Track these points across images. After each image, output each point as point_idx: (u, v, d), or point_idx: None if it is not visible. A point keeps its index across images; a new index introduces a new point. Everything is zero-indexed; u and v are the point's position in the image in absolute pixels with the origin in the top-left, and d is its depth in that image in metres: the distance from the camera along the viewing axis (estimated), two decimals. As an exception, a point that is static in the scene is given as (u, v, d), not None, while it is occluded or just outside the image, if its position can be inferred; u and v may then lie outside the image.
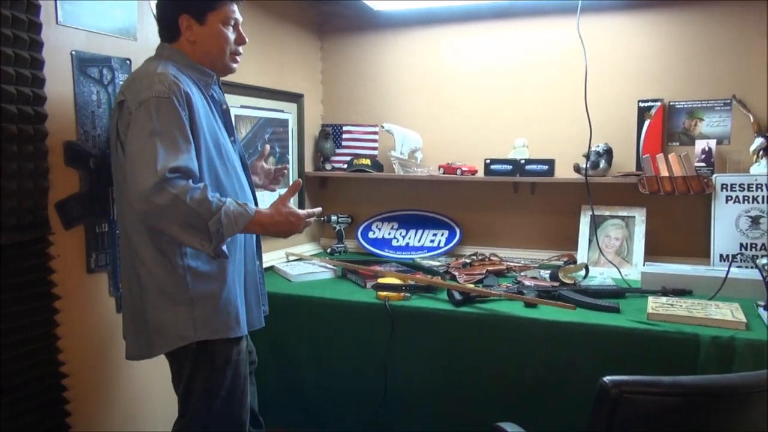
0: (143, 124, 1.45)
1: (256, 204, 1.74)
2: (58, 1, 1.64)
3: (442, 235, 2.95)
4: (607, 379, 1.06)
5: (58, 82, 1.66)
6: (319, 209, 1.76)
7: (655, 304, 2.00)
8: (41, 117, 1.58)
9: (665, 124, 2.56)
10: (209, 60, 1.65)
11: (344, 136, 3.07)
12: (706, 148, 2.45)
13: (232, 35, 1.66)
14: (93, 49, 1.76)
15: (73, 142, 1.71)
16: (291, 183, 1.65)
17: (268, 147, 2.15)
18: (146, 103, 1.46)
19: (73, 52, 1.70)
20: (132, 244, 1.58)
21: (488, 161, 2.69)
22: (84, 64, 1.73)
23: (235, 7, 1.65)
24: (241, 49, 1.71)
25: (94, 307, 1.81)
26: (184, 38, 1.62)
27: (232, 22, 1.65)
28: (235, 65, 1.72)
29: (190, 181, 1.45)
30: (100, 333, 1.83)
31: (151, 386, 2.02)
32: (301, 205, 2.98)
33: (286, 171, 2.13)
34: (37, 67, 1.57)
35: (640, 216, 2.57)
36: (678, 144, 2.57)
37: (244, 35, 1.69)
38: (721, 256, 2.42)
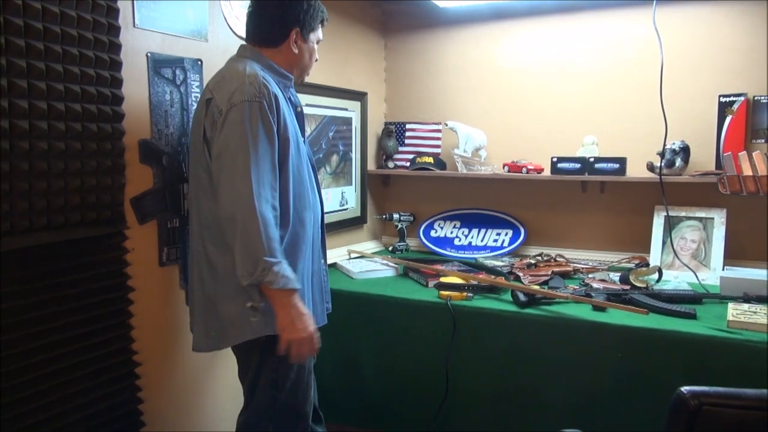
0: (236, 130, 1.51)
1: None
2: (135, 5, 1.71)
3: (506, 234, 2.89)
4: (685, 389, 1.00)
5: (135, 83, 1.73)
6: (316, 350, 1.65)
7: (735, 311, 1.88)
8: (119, 116, 1.66)
9: (749, 120, 2.41)
10: (298, 71, 1.77)
11: (407, 134, 3.06)
12: (795, 146, 2.29)
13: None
14: (167, 50, 1.83)
15: (147, 140, 1.78)
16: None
17: None
18: (239, 106, 1.52)
19: (149, 54, 1.77)
20: (213, 236, 1.61)
21: (555, 159, 2.61)
22: (158, 65, 1.80)
23: (321, 30, 1.80)
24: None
25: (165, 299, 1.88)
26: (287, 47, 1.70)
27: (320, 43, 1.80)
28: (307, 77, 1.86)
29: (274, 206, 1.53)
30: (171, 324, 1.90)
31: (218, 376, 2.08)
32: (363, 204, 2.99)
33: None
34: (115, 68, 1.64)
35: (719, 217, 2.43)
36: (763, 141, 2.40)
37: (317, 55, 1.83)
38: (810, 261, 2.25)
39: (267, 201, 1.51)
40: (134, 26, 1.72)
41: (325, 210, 1.90)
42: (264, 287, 1.51)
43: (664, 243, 2.50)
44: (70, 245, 1.56)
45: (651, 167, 2.46)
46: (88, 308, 1.61)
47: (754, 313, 1.87)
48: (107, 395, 1.67)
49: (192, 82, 1.91)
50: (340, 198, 2.83)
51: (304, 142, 1.77)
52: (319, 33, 1.77)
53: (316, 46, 1.78)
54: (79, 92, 1.53)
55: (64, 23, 1.49)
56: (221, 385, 2.10)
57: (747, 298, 2.04)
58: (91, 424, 1.63)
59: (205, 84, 1.92)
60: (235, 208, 1.48)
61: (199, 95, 1.92)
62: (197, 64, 1.93)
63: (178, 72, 1.87)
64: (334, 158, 2.77)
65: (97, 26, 1.57)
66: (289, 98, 1.73)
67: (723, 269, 2.34)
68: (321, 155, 2.66)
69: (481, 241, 2.92)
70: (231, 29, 2.05)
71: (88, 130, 1.56)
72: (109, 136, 1.63)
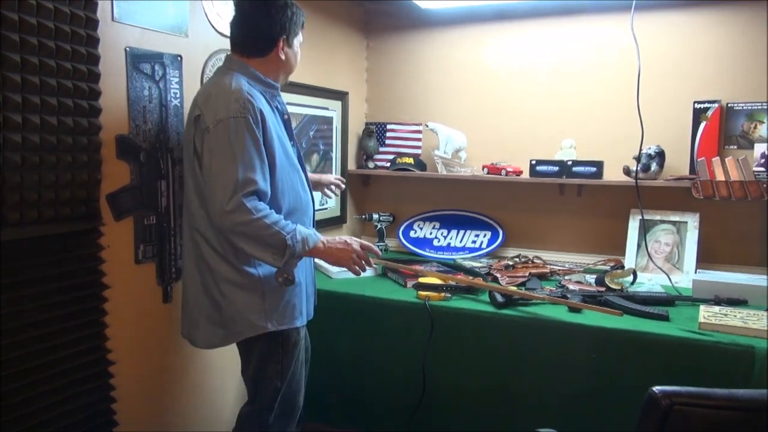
0: (222, 144, 1.56)
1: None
2: (114, -1, 1.69)
3: (485, 236, 2.91)
4: (656, 389, 1.01)
5: (113, 78, 1.70)
6: (377, 251, 1.90)
7: (707, 313, 1.92)
8: (96, 111, 1.63)
9: (722, 126, 2.46)
10: (284, 75, 1.80)
11: (388, 134, 3.06)
12: (766, 152, 2.34)
13: None
14: (146, 45, 1.80)
15: (125, 135, 1.76)
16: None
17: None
18: (224, 122, 1.57)
19: (127, 48, 1.74)
20: (210, 243, 1.67)
21: (534, 162, 2.64)
22: (137, 60, 1.77)
23: (302, 32, 1.82)
24: None
25: (141, 297, 1.86)
26: (275, 55, 1.72)
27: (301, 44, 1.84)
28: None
29: (262, 202, 1.59)
30: (146, 323, 1.88)
31: (193, 375, 2.06)
32: (343, 203, 2.99)
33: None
34: (93, 62, 1.61)
35: (692, 221, 2.48)
36: (736, 147, 2.46)
37: None
38: (779, 265, 2.31)
39: (256, 198, 1.58)
40: (113, 20, 1.69)
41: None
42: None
43: (639, 246, 2.54)
44: (44, 241, 1.53)
45: (627, 171, 2.50)
46: (60, 305, 1.58)
47: (725, 315, 1.91)
48: (77, 394, 1.64)
49: (171, 78, 1.89)
50: (319, 197, 2.82)
51: (293, 145, 1.81)
52: (300, 36, 1.79)
53: (299, 49, 1.80)
54: (56, 85, 1.50)
55: (41, 15, 1.46)
56: (197, 384, 2.07)
57: (718, 301, 2.09)
58: (61, 424, 1.59)
59: (184, 81, 1.93)
60: (228, 222, 1.55)
61: (178, 91, 1.91)
62: (177, 59, 1.91)
63: (157, 67, 1.84)
64: (315, 157, 2.76)
65: (75, 19, 1.54)
66: (276, 107, 1.76)
67: (695, 272, 2.38)
68: (301, 154, 2.64)
69: (460, 242, 2.93)
70: (212, 25, 2.03)
71: (63, 124, 1.53)
72: (85, 130, 1.60)
